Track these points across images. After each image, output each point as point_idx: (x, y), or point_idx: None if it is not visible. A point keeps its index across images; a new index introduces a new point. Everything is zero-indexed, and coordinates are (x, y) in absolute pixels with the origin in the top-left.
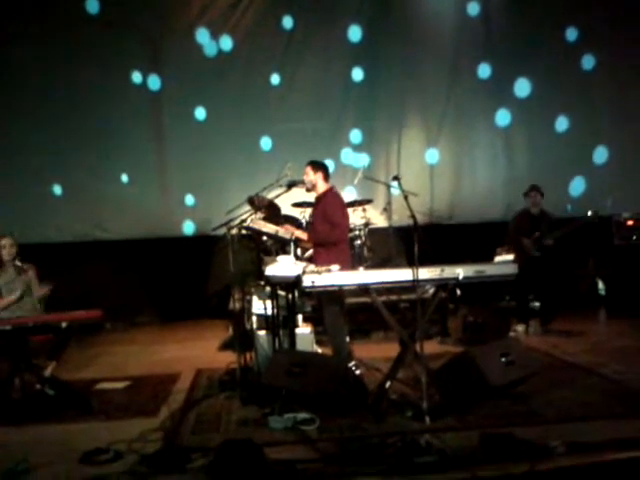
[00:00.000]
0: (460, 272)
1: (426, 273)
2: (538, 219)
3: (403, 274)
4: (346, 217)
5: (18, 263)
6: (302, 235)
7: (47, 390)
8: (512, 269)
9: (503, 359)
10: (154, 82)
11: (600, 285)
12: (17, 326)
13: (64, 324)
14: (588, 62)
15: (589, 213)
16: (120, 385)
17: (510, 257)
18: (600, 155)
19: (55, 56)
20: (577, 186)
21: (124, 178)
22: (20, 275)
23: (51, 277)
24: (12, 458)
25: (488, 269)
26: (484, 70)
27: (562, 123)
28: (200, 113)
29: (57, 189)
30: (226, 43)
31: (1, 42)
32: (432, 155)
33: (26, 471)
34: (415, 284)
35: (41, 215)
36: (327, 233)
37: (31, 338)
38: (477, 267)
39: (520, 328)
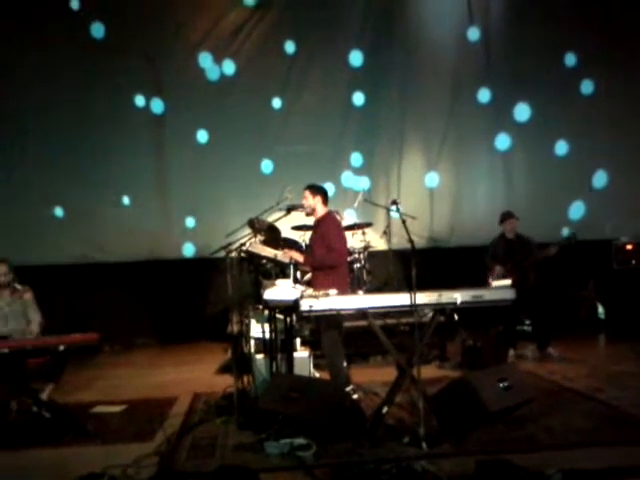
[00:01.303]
0: (458, 297)
1: (424, 298)
2: (514, 244)
3: (401, 299)
4: (344, 241)
5: (18, 286)
6: (299, 257)
7: (43, 413)
8: (510, 294)
9: (501, 384)
10: (157, 105)
11: (600, 309)
12: (15, 349)
13: (62, 347)
14: (587, 87)
15: (565, 233)
16: (116, 409)
17: (508, 282)
18: (599, 179)
19: (59, 79)
20: (576, 210)
21: (125, 200)
22: (16, 298)
23: (51, 299)
24: None
25: (486, 294)
26: (484, 95)
27: (561, 147)
28: (202, 136)
29: (59, 211)
30: (229, 67)
31: (6, 66)
32: (432, 179)
33: None
34: (412, 309)
35: (42, 237)
36: (324, 257)
37: (28, 361)
38: (475, 292)
39: (511, 352)
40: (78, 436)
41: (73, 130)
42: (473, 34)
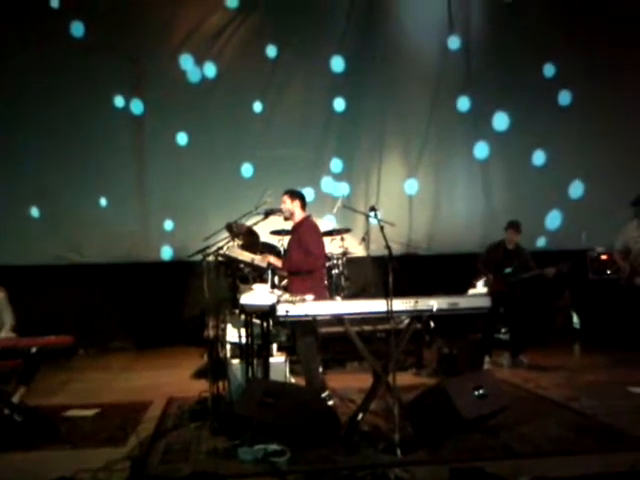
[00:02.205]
0: (434, 304)
1: (400, 304)
2: (511, 254)
3: (377, 305)
4: (321, 246)
5: None
6: (277, 262)
7: (15, 416)
8: (485, 302)
9: (476, 392)
10: (137, 106)
11: (575, 319)
12: None
13: (34, 349)
14: (564, 98)
15: (563, 268)
16: (89, 413)
17: (484, 290)
18: (576, 189)
19: (38, 78)
20: (553, 219)
21: (102, 202)
22: None
23: (25, 300)
24: None
25: (462, 301)
26: (463, 103)
27: (539, 157)
28: (182, 138)
29: (35, 211)
30: (210, 70)
31: None
32: (411, 185)
33: None
34: (388, 315)
35: (17, 237)
36: (302, 261)
37: (0, 363)
38: (451, 299)
39: (487, 359)
40: (49, 440)
41: (51, 129)
42: (453, 43)
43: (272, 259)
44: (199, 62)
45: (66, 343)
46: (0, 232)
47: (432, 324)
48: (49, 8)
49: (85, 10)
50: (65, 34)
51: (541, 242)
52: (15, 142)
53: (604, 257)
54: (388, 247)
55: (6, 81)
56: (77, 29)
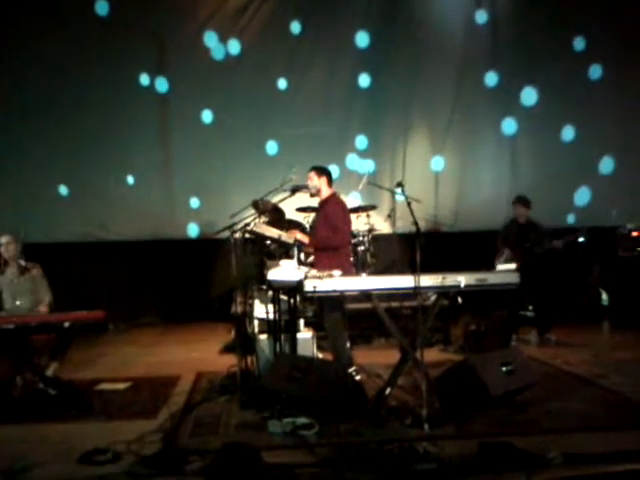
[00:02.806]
0: (462, 280)
1: (428, 280)
2: (525, 229)
3: (405, 281)
4: (348, 223)
5: (22, 263)
6: (304, 238)
7: (48, 390)
8: (514, 278)
9: (504, 368)
10: (162, 84)
11: (604, 296)
12: (20, 325)
13: (67, 324)
14: (595, 72)
15: (580, 239)
16: (121, 386)
17: (512, 266)
18: (606, 165)
19: (63, 57)
20: (582, 196)
21: (130, 180)
22: (23, 274)
23: (56, 277)
24: (12, 456)
25: (490, 277)
26: (491, 78)
27: (568, 133)
28: (207, 116)
29: (63, 189)
30: (234, 47)
31: (10, 43)
32: (437, 162)
33: (25, 469)
34: (416, 291)
35: (47, 215)
36: (328, 238)
37: (34, 337)
38: (479, 275)
39: (513, 337)
40: (83, 412)
41: (78, 108)
42: (481, 17)
43: (299, 235)
44: (223, 39)
45: (98, 318)
46: (30, 210)
47: (460, 300)
48: None
49: None
50: (90, 13)
51: (570, 219)
52: (41, 120)
53: (635, 234)
54: (416, 223)
55: (31, 59)
56: (102, 8)
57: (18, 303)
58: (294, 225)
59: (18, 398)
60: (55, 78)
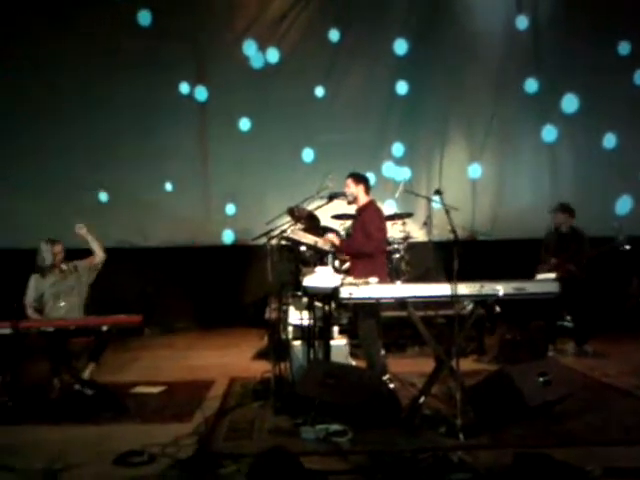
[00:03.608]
0: (500, 289)
1: (465, 289)
2: (566, 238)
3: (441, 289)
4: (383, 231)
5: (64, 266)
6: (335, 239)
7: (85, 391)
8: (554, 287)
9: (540, 379)
10: (201, 93)
11: None
12: (59, 328)
13: (105, 327)
14: None
15: (619, 237)
16: (155, 389)
17: (552, 275)
18: None
19: (106, 66)
20: (623, 205)
21: (168, 186)
22: (67, 277)
23: (94, 282)
24: (50, 456)
25: (529, 286)
26: (531, 85)
27: (610, 140)
28: (244, 124)
29: (103, 196)
30: (272, 55)
31: (50, 52)
32: (475, 170)
33: (62, 469)
34: (453, 299)
35: (87, 220)
36: (362, 244)
37: (72, 340)
38: (518, 284)
39: (550, 347)
40: (118, 414)
41: (118, 116)
42: (521, 22)
43: (330, 235)
44: (262, 48)
45: (135, 322)
46: (69, 216)
47: (498, 309)
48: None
49: None
50: (132, 23)
51: (611, 227)
52: (82, 127)
53: None
54: (454, 231)
55: (74, 68)
56: (144, 18)
57: (61, 305)
58: (329, 232)
59: (55, 400)
60: (96, 87)
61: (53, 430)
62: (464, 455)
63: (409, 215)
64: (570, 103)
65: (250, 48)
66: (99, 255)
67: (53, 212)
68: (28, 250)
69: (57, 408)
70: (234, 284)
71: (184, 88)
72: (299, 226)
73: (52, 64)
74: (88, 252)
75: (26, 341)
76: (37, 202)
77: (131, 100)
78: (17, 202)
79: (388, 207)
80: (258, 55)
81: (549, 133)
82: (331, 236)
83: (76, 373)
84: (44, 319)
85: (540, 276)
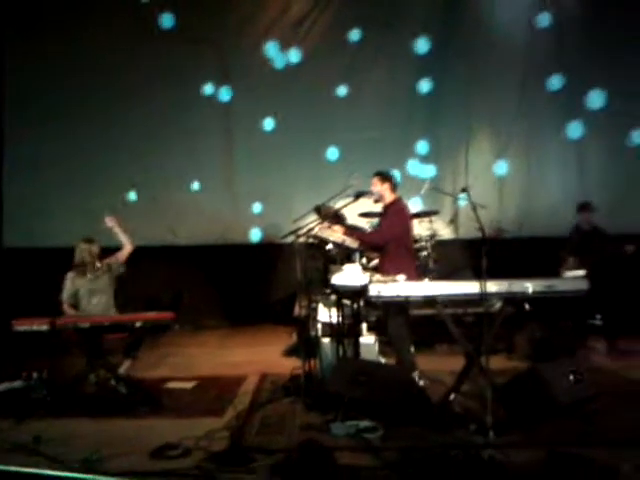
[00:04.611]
0: (529, 286)
1: (494, 286)
2: (589, 236)
3: (470, 287)
4: (404, 227)
5: (98, 265)
6: (341, 231)
7: (119, 387)
8: (583, 284)
9: (571, 377)
10: (225, 94)
11: None
12: (94, 324)
13: (138, 324)
14: None
15: (629, 248)
16: (188, 385)
17: (581, 272)
18: None
19: (131, 68)
20: None
21: (195, 185)
22: (101, 275)
23: (126, 279)
24: (87, 448)
25: (558, 284)
26: (555, 81)
27: (637, 136)
28: (268, 124)
29: (132, 195)
30: (294, 56)
31: (79, 55)
32: (501, 167)
33: (100, 460)
34: (483, 297)
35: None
36: (368, 234)
37: (109, 336)
38: (547, 282)
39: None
40: (152, 409)
41: (146, 117)
42: (544, 20)
43: (336, 227)
44: (284, 48)
45: (167, 319)
46: (99, 216)
47: (528, 307)
48: (137, 2)
49: (173, 1)
50: (154, 26)
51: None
52: (110, 128)
53: None
54: (482, 229)
55: (101, 71)
56: (167, 20)
57: (95, 302)
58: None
59: (91, 394)
60: (123, 88)
61: (90, 424)
62: (495, 453)
63: (435, 213)
64: (596, 99)
65: (272, 49)
66: (127, 247)
67: (83, 213)
68: (62, 249)
69: (93, 403)
70: (262, 282)
71: (209, 89)
72: (326, 224)
73: (86, 66)
74: (116, 250)
75: (62, 336)
76: (70, 202)
77: (158, 101)
78: (51, 202)
79: (414, 205)
80: (280, 56)
81: (575, 129)
82: (337, 227)
83: (111, 368)
84: (80, 315)
85: (569, 274)
